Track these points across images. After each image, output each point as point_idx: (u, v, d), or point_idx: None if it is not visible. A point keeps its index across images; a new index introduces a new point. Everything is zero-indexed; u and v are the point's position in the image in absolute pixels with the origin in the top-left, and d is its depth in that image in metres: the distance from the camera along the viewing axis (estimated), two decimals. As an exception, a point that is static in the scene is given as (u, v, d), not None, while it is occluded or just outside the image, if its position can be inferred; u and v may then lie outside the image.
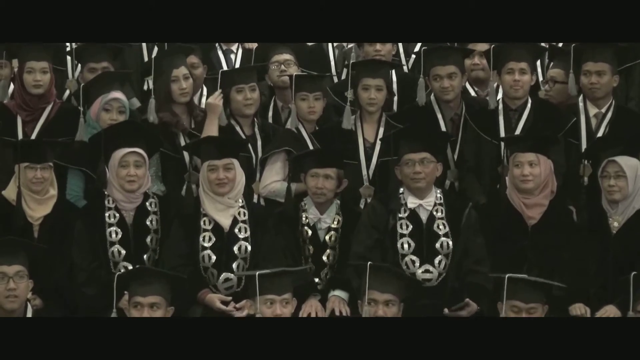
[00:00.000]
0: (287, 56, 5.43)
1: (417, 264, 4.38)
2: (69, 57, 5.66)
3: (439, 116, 5.07)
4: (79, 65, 5.46)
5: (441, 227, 4.40)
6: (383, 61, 5.19)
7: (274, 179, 4.89)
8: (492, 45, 5.06)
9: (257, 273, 4.03)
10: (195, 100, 5.29)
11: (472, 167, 4.89)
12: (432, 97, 5.13)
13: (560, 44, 5.56)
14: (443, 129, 5.03)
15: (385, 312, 4.02)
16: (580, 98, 4.95)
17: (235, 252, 4.45)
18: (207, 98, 5.16)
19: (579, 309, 4.22)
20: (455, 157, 4.96)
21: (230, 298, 4.29)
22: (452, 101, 5.06)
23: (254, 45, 5.95)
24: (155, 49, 5.89)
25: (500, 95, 5.11)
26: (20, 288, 4.01)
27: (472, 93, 5.38)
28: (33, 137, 4.96)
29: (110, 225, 4.45)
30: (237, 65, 5.85)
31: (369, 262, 4.09)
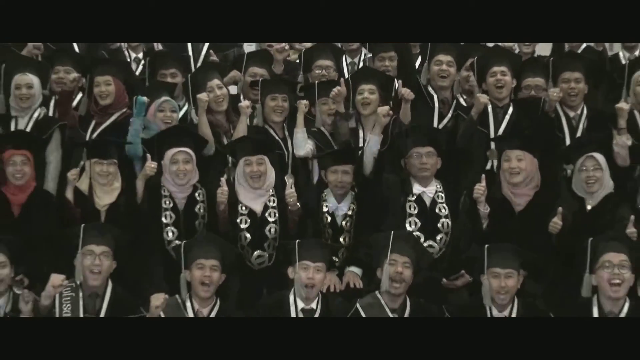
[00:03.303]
0: (328, 62, 5.76)
1: (422, 240, 4.70)
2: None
3: (435, 96, 5.44)
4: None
5: (442, 209, 4.79)
6: (374, 69, 5.51)
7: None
8: (475, 58, 5.39)
9: (296, 241, 4.41)
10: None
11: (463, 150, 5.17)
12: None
13: (539, 54, 5.94)
14: (437, 106, 5.40)
15: (403, 270, 4.28)
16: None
17: (267, 234, 4.80)
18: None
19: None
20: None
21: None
22: (446, 88, 5.47)
23: (304, 46, 6.08)
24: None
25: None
26: (104, 265, 4.29)
27: (462, 102, 5.59)
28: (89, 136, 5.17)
29: (165, 209, 4.77)
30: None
31: (392, 231, 4.40)
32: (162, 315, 4.26)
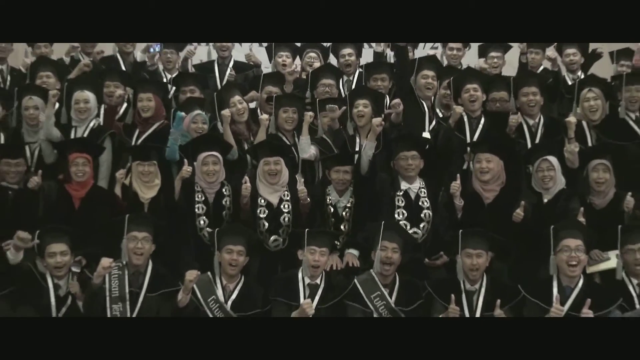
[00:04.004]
0: (330, 81, 5.69)
1: (408, 227, 4.70)
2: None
3: (424, 103, 5.37)
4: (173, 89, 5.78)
5: (424, 202, 4.78)
6: (368, 87, 5.52)
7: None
8: (452, 77, 5.38)
9: (306, 230, 4.44)
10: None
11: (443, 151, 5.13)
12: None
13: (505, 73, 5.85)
14: (426, 111, 5.31)
15: (392, 255, 4.29)
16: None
17: (281, 222, 4.79)
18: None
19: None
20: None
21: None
22: (430, 97, 5.46)
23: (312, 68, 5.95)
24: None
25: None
26: (145, 248, 4.31)
27: (439, 114, 5.58)
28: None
29: (198, 202, 4.76)
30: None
31: (382, 222, 4.39)
32: (196, 288, 4.29)
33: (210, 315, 4.28)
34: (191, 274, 4.21)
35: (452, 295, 4.17)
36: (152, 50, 6.17)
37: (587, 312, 4.03)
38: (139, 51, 6.20)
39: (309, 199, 4.82)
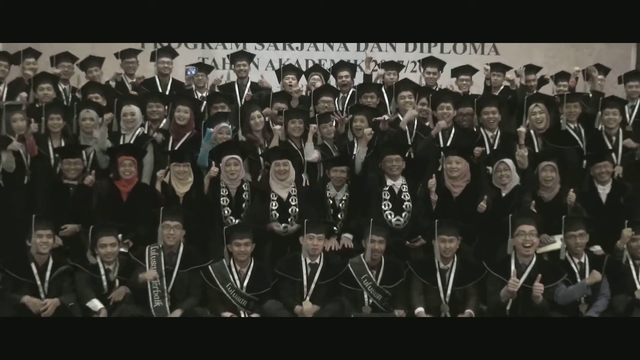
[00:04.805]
0: (329, 98, 5.60)
1: (392, 216, 4.72)
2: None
3: (402, 119, 5.27)
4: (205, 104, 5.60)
5: (406, 196, 4.78)
6: (364, 105, 5.45)
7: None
8: (430, 95, 5.36)
9: (305, 221, 4.40)
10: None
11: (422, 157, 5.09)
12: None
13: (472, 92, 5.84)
14: (405, 127, 5.23)
15: (379, 247, 4.29)
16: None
17: (290, 212, 4.74)
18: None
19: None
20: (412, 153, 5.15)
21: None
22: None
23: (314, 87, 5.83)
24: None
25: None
26: (176, 234, 4.29)
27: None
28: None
29: (222, 196, 4.75)
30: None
31: (371, 219, 4.37)
32: (214, 277, 4.26)
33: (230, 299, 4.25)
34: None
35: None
36: (189, 73, 6.13)
37: (538, 286, 4.04)
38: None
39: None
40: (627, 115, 5.47)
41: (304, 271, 4.34)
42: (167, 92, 5.84)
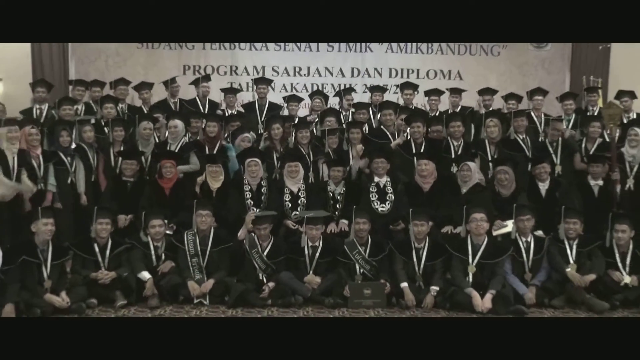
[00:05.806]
0: (332, 118, 5.43)
1: (378, 204, 4.66)
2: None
3: (386, 131, 5.27)
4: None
5: (389, 190, 4.72)
6: (358, 121, 5.41)
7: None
8: (404, 116, 5.28)
9: (305, 216, 4.31)
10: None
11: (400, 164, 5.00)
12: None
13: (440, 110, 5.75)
14: (389, 135, 5.20)
15: (363, 227, 4.20)
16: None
17: (299, 203, 4.70)
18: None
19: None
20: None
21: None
22: (390, 127, 5.30)
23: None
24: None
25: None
26: (207, 222, 4.21)
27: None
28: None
29: (246, 191, 4.70)
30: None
31: (354, 206, 4.31)
32: (246, 246, 4.19)
33: (254, 262, 4.19)
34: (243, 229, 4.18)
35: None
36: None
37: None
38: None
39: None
40: (564, 127, 5.44)
41: (306, 252, 4.29)
42: (206, 111, 5.75)
